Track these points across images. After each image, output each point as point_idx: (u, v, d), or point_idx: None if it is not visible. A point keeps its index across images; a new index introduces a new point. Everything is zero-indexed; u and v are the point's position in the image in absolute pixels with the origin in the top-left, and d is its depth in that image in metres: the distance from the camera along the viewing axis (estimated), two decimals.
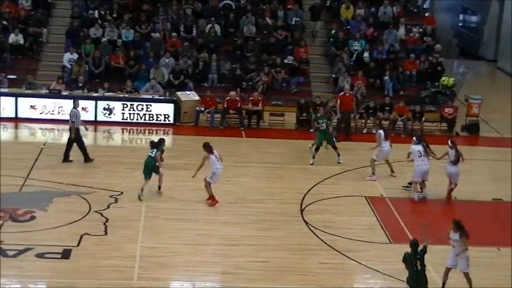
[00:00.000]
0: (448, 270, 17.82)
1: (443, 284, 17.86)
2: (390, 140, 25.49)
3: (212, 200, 22.31)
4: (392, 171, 25.49)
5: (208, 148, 22.33)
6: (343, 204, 23.19)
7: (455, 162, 23.42)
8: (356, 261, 19.50)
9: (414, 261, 16.38)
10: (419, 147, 23.55)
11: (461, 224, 17.77)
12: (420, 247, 16.38)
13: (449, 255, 17.84)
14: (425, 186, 23.92)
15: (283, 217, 21.98)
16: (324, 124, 26.53)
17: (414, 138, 24.32)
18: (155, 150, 22.83)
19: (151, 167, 22.74)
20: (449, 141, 24.08)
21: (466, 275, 17.82)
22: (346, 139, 29.23)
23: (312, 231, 21.12)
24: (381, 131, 25.32)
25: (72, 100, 26.46)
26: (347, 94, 30.20)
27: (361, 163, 26.46)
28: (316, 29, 35.92)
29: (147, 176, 22.68)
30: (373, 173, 25.19)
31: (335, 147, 26.62)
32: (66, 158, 25.24)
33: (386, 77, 33.14)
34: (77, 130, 25.20)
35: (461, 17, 50.79)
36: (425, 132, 30.48)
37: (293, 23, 35.61)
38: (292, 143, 28.72)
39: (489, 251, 20.46)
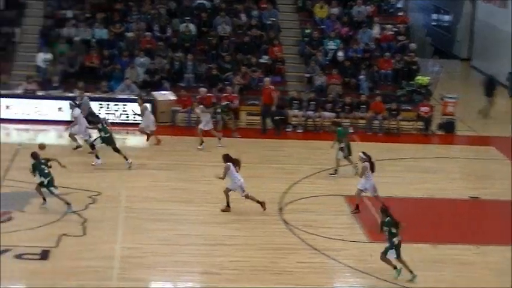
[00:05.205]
0: None
1: None
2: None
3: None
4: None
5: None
6: (321, 203, 23.17)
7: None
8: (334, 259, 19.51)
9: None
10: None
11: None
12: None
13: None
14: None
15: (262, 216, 21.91)
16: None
17: None
18: None
19: None
20: None
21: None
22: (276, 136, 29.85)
23: (291, 230, 21.12)
24: (367, 164, 22.60)
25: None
26: (266, 87, 30.45)
27: (333, 163, 26.27)
28: None
29: None
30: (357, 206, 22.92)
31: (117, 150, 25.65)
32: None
33: (361, 76, 33.17)
34: None
35: (434, 16, 51.07)
36: (402, 131, 30.59)
37: (268, 22, 35.57)
38: (261, 142, 28.68)
39: (465, 248, 20.60)
